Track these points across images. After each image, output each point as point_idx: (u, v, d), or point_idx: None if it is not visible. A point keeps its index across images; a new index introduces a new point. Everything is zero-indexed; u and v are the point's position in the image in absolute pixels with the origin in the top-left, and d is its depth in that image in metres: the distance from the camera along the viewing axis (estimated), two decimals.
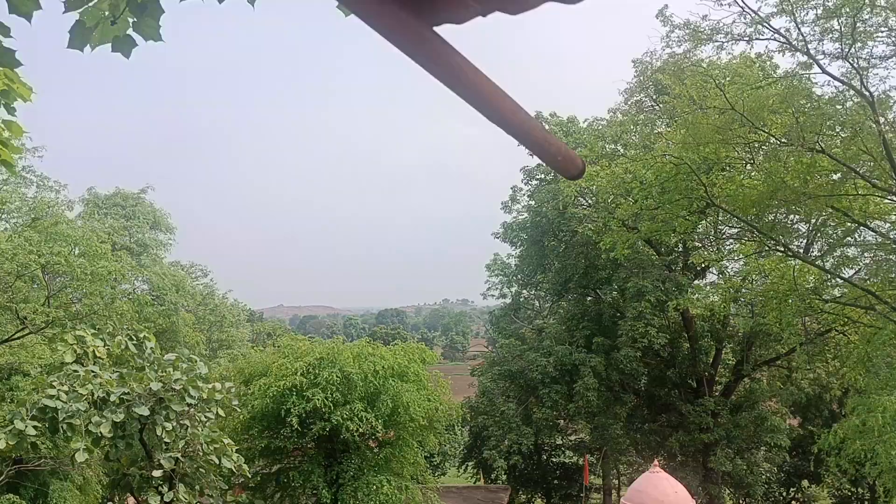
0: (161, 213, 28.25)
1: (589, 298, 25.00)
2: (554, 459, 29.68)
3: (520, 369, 23.02)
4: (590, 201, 22.69)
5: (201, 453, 11.24)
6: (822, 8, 13.81)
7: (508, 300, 29.07)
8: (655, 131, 21.15)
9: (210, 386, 12.09)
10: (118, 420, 10.10)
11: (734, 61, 17.52)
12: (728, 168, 17.43)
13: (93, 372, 10.41)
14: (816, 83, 16.34)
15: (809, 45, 14.22)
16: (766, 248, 16.60)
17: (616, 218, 18.40)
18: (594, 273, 23.40)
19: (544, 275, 26.55)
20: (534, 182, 25.77)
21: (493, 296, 30.22)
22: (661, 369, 23.22)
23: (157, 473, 10.58)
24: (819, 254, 18.85)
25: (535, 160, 25.68)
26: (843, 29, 13.68)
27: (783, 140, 14.06)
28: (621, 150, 21.55)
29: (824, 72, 14.24)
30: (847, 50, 13.79)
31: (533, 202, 25.08)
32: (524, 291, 28.94)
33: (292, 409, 14.98)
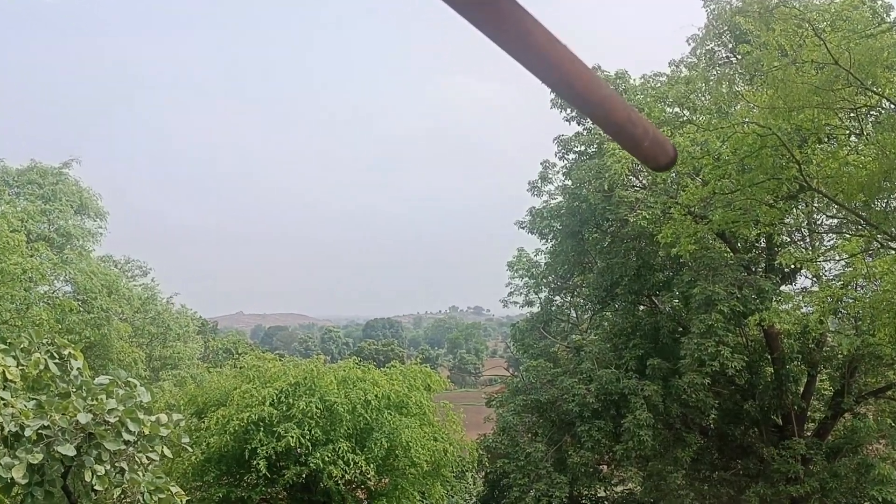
0: (89, 194, 27.75)
1: (642, 308, 24.24)
2: None
3: (551, 399, 22.39)
4: (645, 181, 22.03)
5: None
6: None
7: (536, 309, 28.04)
8: (734, 91, 20.23)
9: (154, 418, 11.86)
10: (35, 462, 9.71)
11: (837, 1, 16.77)
12: (829, 140, 17.04)
13: (2, 399, 9.94)
14: None
15: None
16: (877, 245, 16.10)
17: (679, 204, 17.81)
18: (649, 275, 22.81)
19: (583, 276, 25.45)
20: (571, 156, 24.91)
21: (516, 303, 29.07)
22: (736, 401, 22.67)
23: None
24: None
25: (573, 127, 24.98)
26: None
27: None
28: (687, 115, 20.99)
29: None
30: None
31: (570, 181, 24.33)
32: (557, 298, 27.96)
33: (259, 450, 14.71)
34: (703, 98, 21.56)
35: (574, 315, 30.06)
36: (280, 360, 18.91)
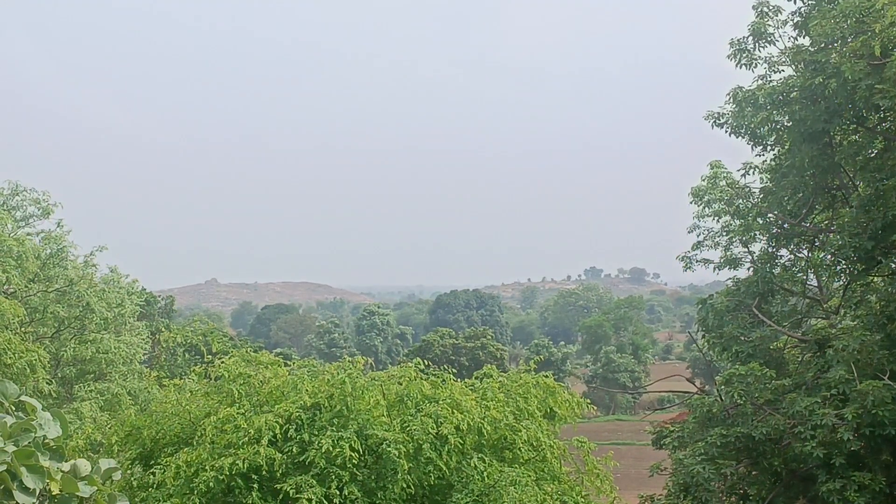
0: None
1: None
2: None
3: (772, 434, 20.39)
4: None
5: None
6: None
7: (745, 272, 24.80)
8: None
9: (67, 466, 10.33)
10: None
11: None
12: None
13: None
14: None
15: None
16: None
17: None
18: None
19: (832, 212, 22.61)
20: None
21: (707, 263, 26.30)
22: None
23: None
24: None
25: None
26: None
27: None
28: None
29: None
30: None
31: (806, 40, 21.31)
32: (783, 252, 24.77)
33: None
34: None
35: (815, 283, 26.09)
36: (286, 363, 17.37)
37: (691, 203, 25.81)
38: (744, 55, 23.26)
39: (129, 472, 15.36)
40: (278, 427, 14.74)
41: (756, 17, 22.93)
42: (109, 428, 17.52)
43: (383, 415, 15.24)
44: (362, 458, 14.68)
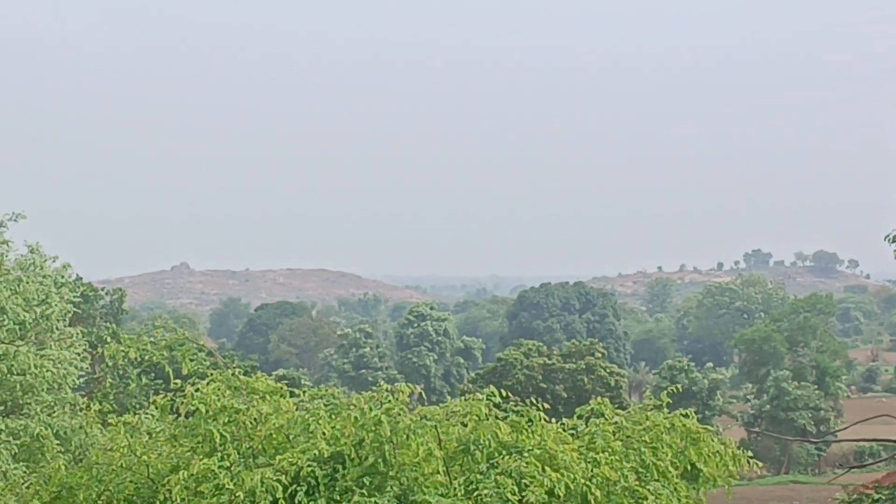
0: None
1: None
2: None
3: None
4: None
5: None
6: None
7: None
8: None
9: None
10: None
11: None
12: None
13: None
14: None
15: None
16: None
17: None
18: None
19: None
20: None
21: None
22: None
23: None
24: None
25: None
26: None
27: None
28: None
29: None
30: None
31: None
32: None
33: None
34: None
35: None
36: (293, 393, 14.92)
37: None
38: None
39: None
40: (281, 489, 12.69)
41: None
42: (27, 487, 15.59)
43: (438, 471, 13.15)
44: None
